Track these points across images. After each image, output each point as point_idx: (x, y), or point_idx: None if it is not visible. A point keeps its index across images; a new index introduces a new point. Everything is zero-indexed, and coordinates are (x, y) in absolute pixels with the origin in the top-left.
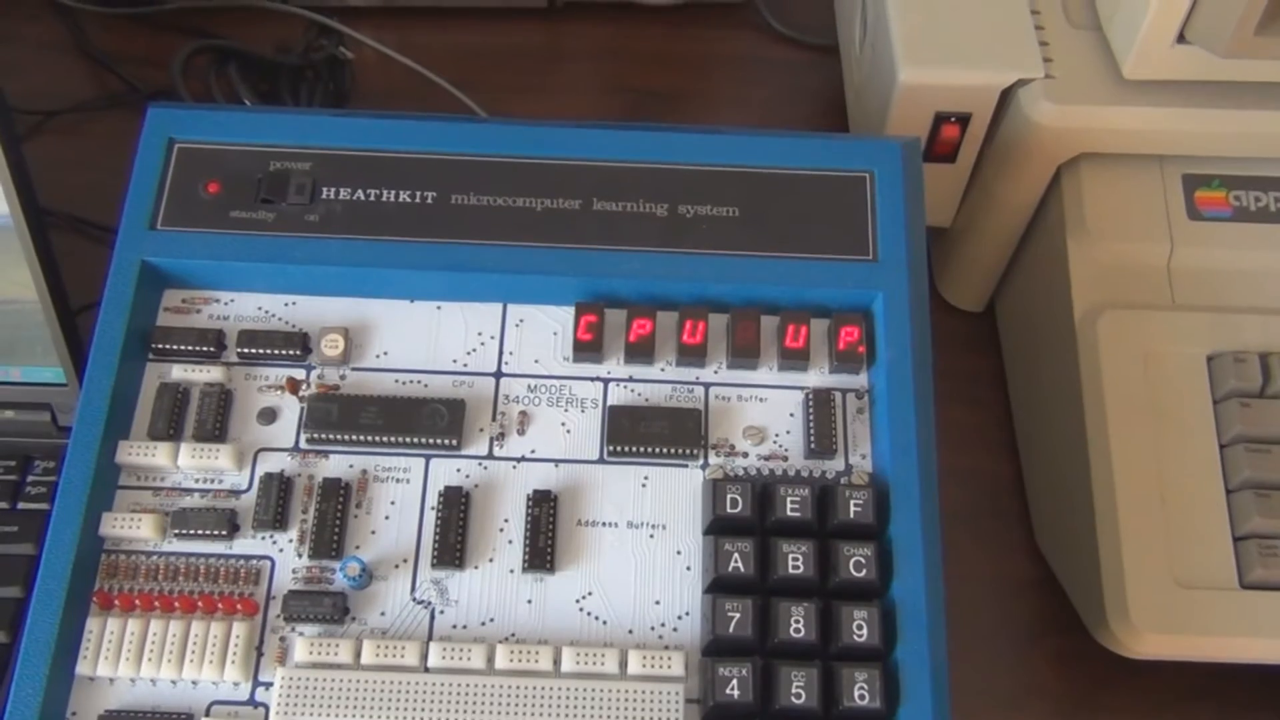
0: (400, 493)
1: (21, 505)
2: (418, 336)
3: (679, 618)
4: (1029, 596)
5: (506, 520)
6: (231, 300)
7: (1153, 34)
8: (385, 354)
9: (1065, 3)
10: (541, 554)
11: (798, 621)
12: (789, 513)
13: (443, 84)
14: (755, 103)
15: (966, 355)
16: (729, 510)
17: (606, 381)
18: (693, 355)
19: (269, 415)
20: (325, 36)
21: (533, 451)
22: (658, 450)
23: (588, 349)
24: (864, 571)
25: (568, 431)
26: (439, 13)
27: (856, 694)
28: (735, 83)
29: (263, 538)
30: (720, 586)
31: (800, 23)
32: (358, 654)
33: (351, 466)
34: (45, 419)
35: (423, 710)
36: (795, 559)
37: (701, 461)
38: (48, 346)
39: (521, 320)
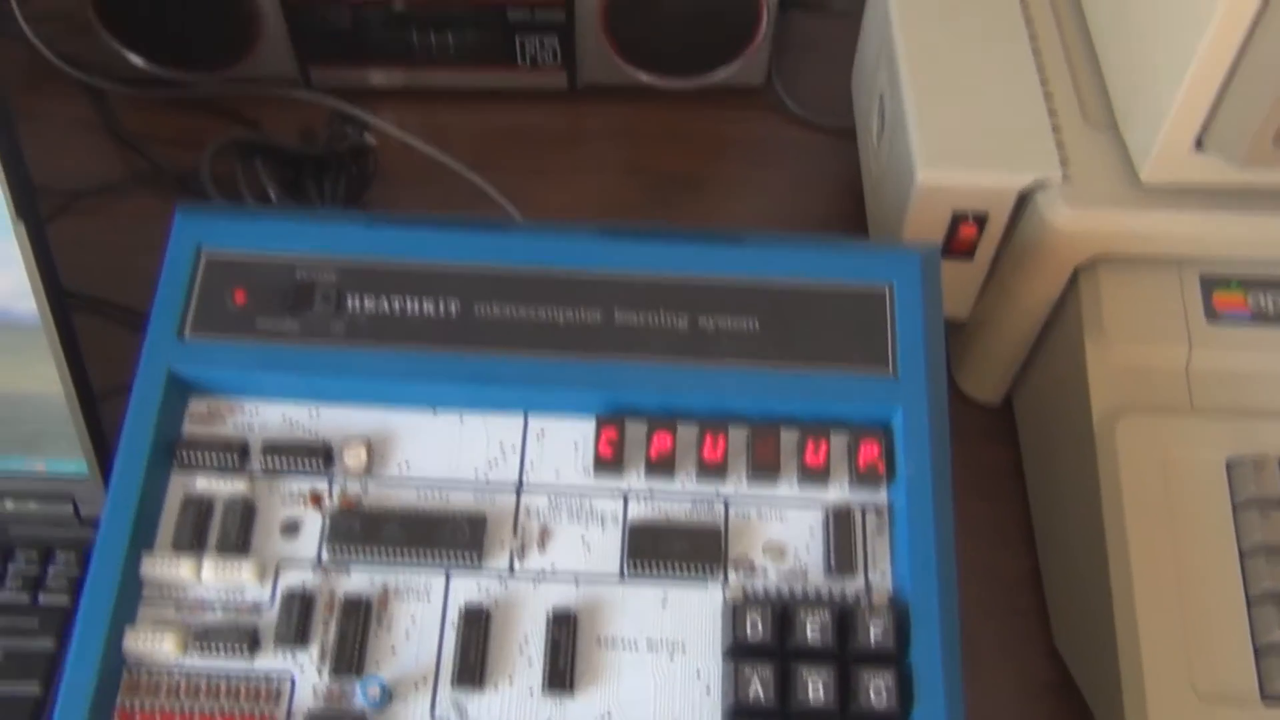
0: (421, 609)
1: (43, 599)
2: (440, 447)
3: None
4: (1049, 700)
5: (526, 639)
6: (257, 409)
7: (1170, 141)
8: (407, 464)
9: (1082, 102)
10: (561, 675)
11: None
12: (809, 638)
13: (464, 172)
14: (772, 187)
15: (984, 447)
16: (749, 635)
17: (627, 495)
18: (713, 470)
19: (292, 528)
20: (349, 124)
21: (553, 567)
22: (678, 567)
23: (609, 465)
24: (884, 700)
25: (588, 547)
26: (461, 94)
27: None
28: (752, 166)
29: (284, 654)
30: (740, 713)
31: (818, 105)
32: None
33: (373, 581)
34: (68, 510)
35: None
36: (815, 686)
37: (721, 579)
38: (71, 440)
39: (543, 431)
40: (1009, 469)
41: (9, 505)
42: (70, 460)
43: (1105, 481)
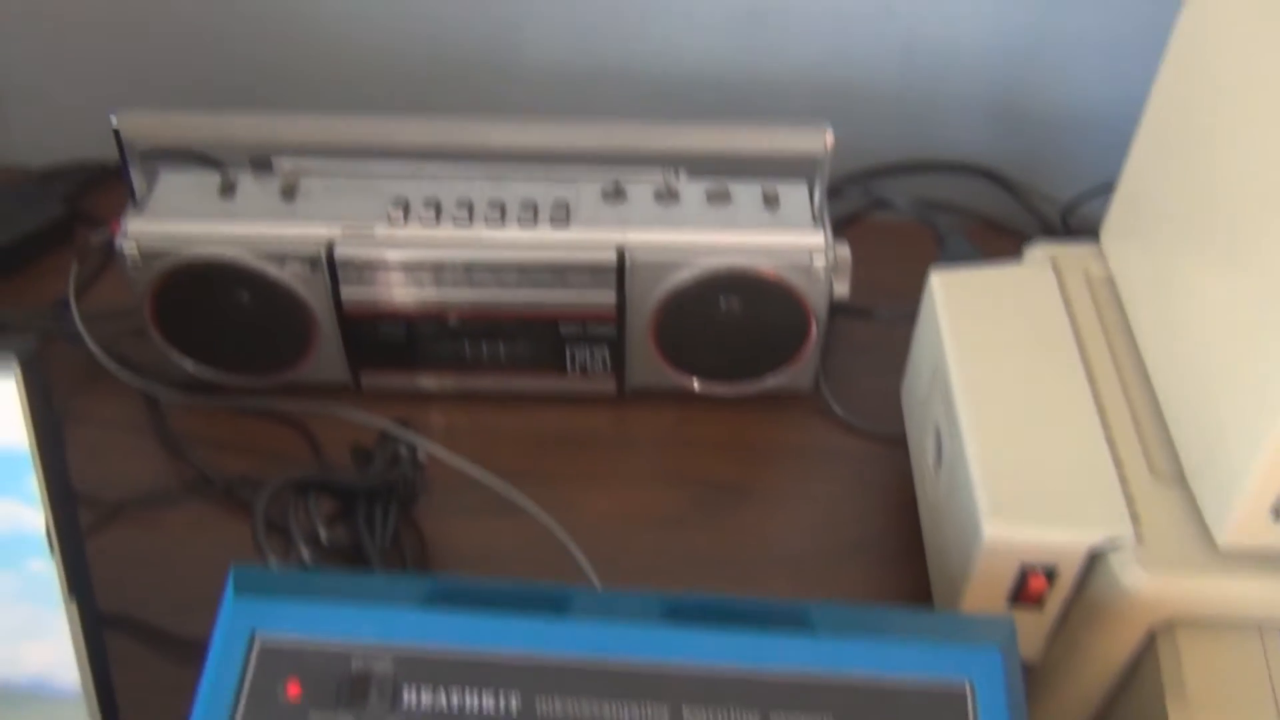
0: None
1: None
2: None
3: None
4: None
5: None
6: None
7: (1247, 509)
8: None
9: (1148, 453)
10: None
11: None
12: None
13: (513, 496)
14: (822, 498)
15: None
16: None
17: None
18: None
19: None
20: (400, 443)
21: None
22: None
23: None
24: None
25: None
26: (510, 397)
27: None
28: (801, 476)
29: None
30: None
31: (867, 412)
32: None
33: None
34: None
35: None
36: None
37: None
38: None
39: None
40: None
41: None
42: None
43: None
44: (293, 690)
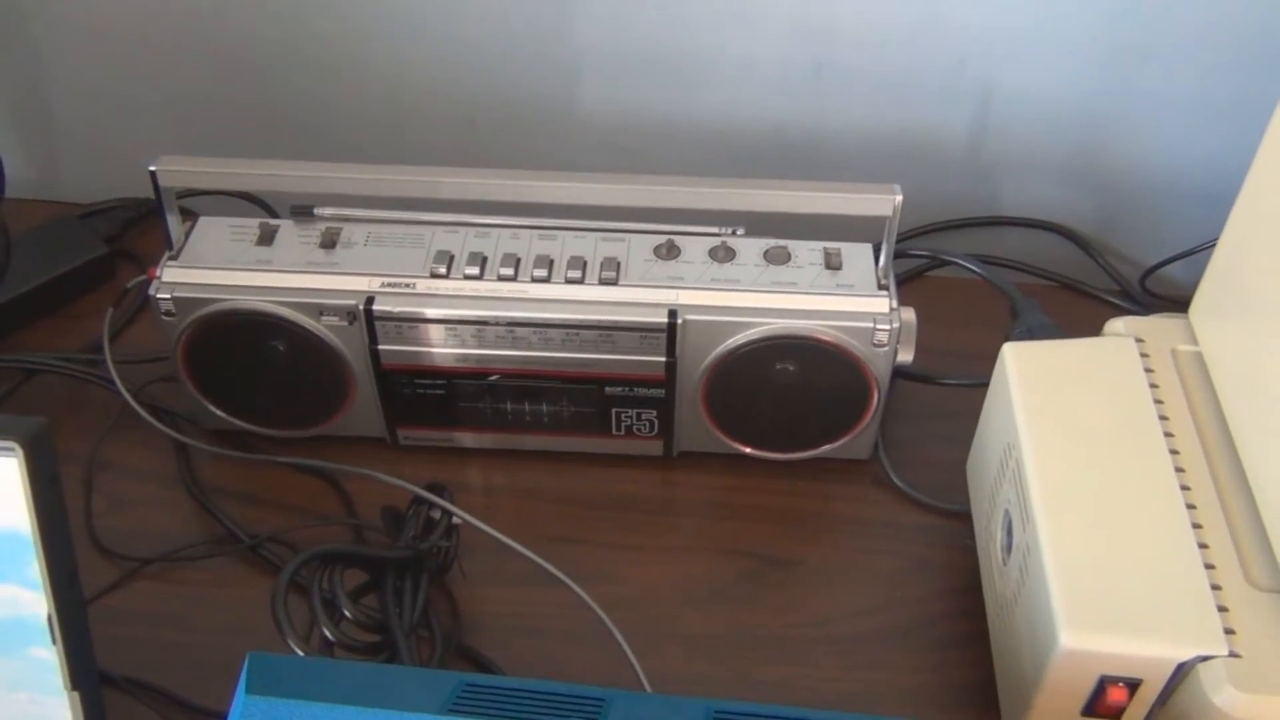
0: None
1: None
2: None
3: None
4: None
5: None
6: None
7: None
8: None
9: (1243, 561)
10: None
11: None
12: None
13: (550, 568)
14: (878, 575)
15: None
16: None
17: None
18: None
19: None
20: (434, 509)
21: None
22: None
23: None
24: None
25: None
26: (552, 455)
27: None
28: (856, 550)
29: None
30: None
31: (928, 485)
32: None
33: None
34: None
35: None
36: None
37: None
38: None
39: None
40: None
41: None
42: None
43: None
44: None
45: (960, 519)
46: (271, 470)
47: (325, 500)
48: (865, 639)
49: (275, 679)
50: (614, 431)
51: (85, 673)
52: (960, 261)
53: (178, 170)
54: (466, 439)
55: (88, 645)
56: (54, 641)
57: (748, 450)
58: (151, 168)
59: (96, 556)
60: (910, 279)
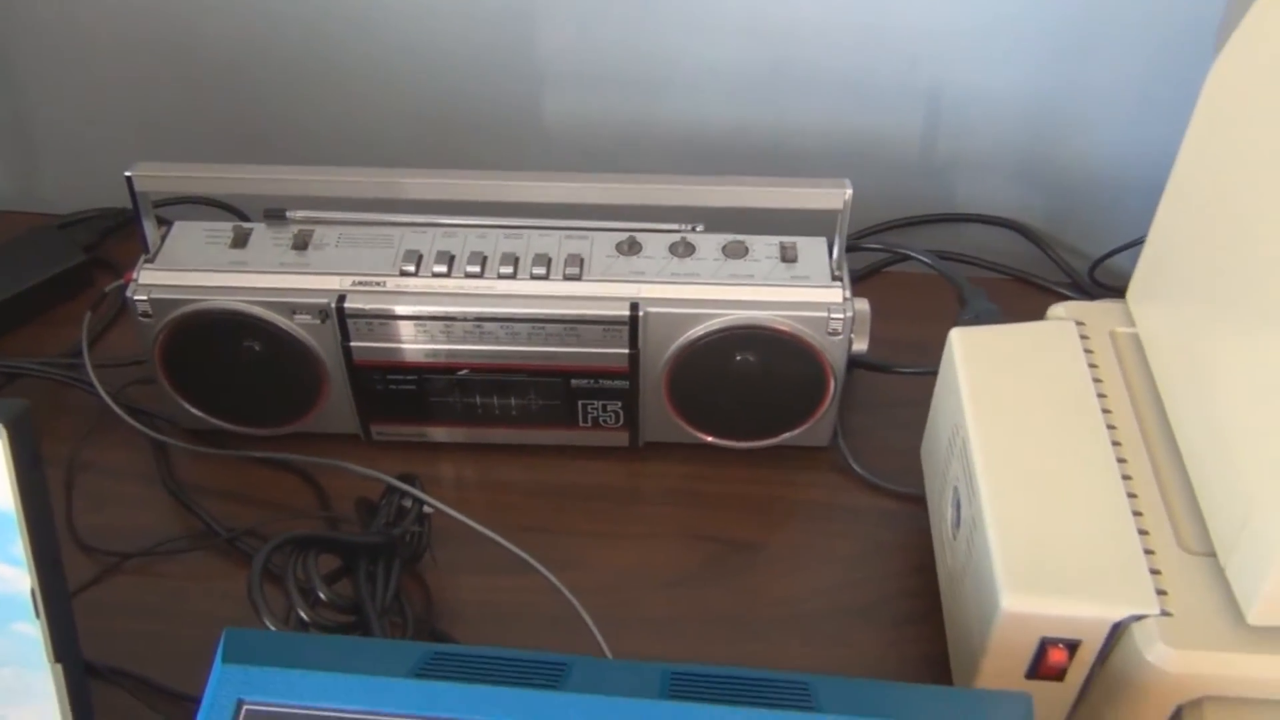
0: None
1: None
2: None
3: None
4: None
5: None
6: None
7: (1278, 587)
8: None
9: (1175, 525)
10: None
11: None
12: None
13: (521, 554)
14: (838, 557)
15: None
16: None
17: None
18: None
19: None
20: (405, 498)
21: None
22: None
23: None
24: None
25: None
26: (521, 449)
27: None
28: (816, 533)
29: None
30: None
31: (885, 469)
32: None
33: None
34: None
35: None
36: None
37: None
38: None
39: None
40: None
41: None
42: None
43: None
44: None
45: (916, 502)
46: (248, 467)
47: (301, 495)
48: (825, 617)
49: (250, 650)
50: (581, 424)
51: (67, 645)
52: (912, 254)
53: (153, 175)
54: (438, 434)
55: (69, 618)
56: (37, 615)
57: (711, 440)
58: (127, 173)
59: (78, 552)
60: (868, 275)
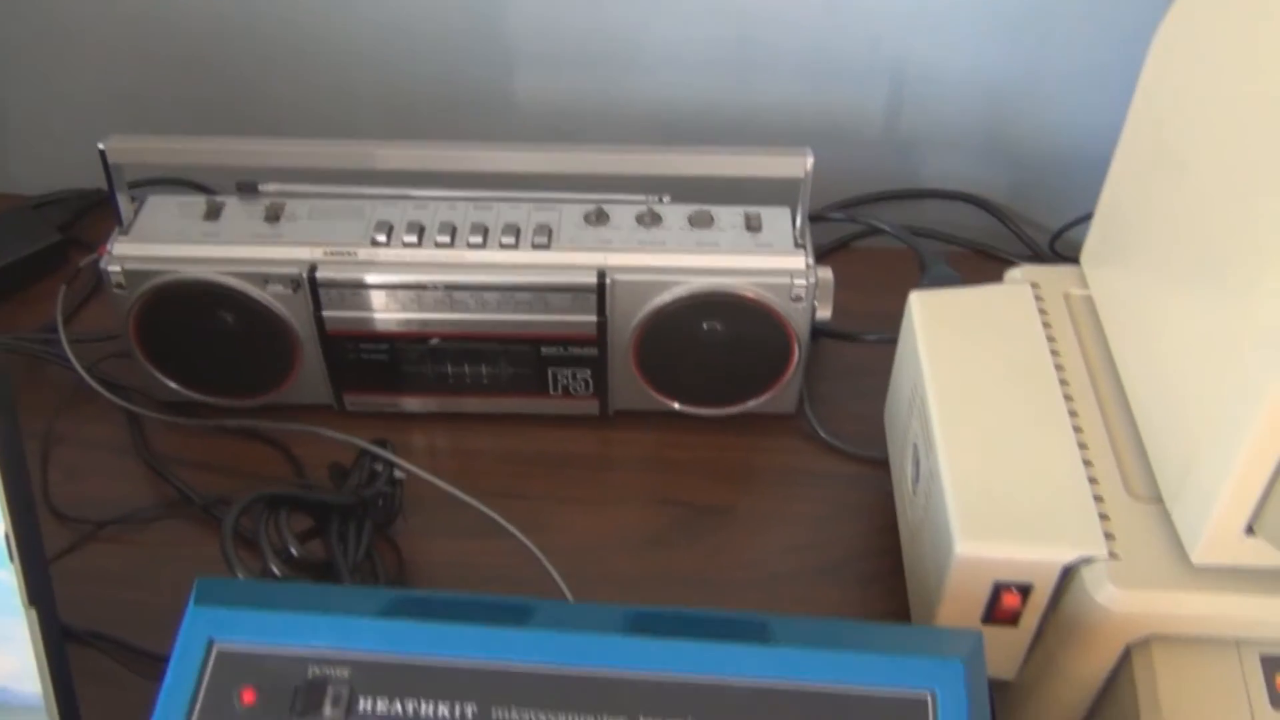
0: None
1: None
2: None
3: None
4: None
5: None
6: None
7: (1220, 526)
8: None
9: (1124, 472)
10: None
11: None
12: None
13: (492, 514)
14: (804, 520)
15: None
16: None
17: None
18: None
19: None
20: (377, 462)
21: None
22: None
23: None
24: None
25: None
26: (492, 417)
27: None
28: (784, 497)
29: None
30: None
31: (850, 435)
32: None
33: None
34: None
35: None
36: None
37: None
38: None
39: None
40: None
41: None
42: None
43: None
44: (248, 697)
45: (880, 466)
46: (223, 439)
47: (275, 465)
48: (791, 577)
49: (222, 595)
50: (551, 392)
51: (41, 589)
52: (874, 224)
53: (127, 148)
54: (410, 404)
55: (43, 562)
56: (11, 559)
57: (679, 407)
58: (101, 145)
59: (53, 521)
60: (835, 249)
